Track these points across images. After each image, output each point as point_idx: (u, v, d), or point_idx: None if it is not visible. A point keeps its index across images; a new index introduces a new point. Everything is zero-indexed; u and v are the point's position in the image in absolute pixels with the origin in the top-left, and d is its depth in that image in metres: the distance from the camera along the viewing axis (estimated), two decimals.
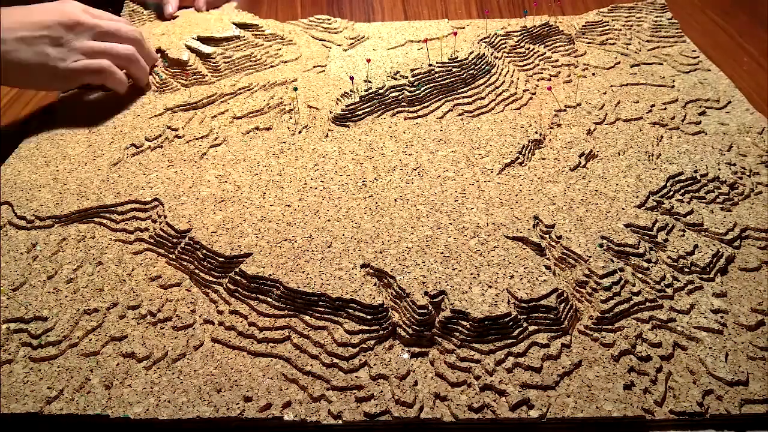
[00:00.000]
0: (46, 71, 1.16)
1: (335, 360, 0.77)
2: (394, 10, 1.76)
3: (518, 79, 1.32)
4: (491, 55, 1.33)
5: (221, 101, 1.29)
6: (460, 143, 1.12)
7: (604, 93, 1.29)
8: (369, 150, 1.12)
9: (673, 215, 0.96)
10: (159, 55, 1.40)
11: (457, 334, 0.78)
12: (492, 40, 1.37)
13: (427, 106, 1.23)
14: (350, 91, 1.25)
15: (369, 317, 0.80)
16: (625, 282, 0.84)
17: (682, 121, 1.19)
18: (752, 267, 0.89)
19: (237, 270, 0.86)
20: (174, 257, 0.93)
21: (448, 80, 1.26)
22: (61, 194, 1.04)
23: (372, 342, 0.79)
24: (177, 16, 1.50)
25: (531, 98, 1.28)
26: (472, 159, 1.08)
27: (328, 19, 1.61)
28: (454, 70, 1.26)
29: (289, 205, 0.98)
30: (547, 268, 0.86)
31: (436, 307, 0.80)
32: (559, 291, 0.81)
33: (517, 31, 1.41)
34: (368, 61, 1.32)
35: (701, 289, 0.86)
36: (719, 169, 1.04)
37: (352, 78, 1.26)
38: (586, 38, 1.50)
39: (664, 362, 0.77)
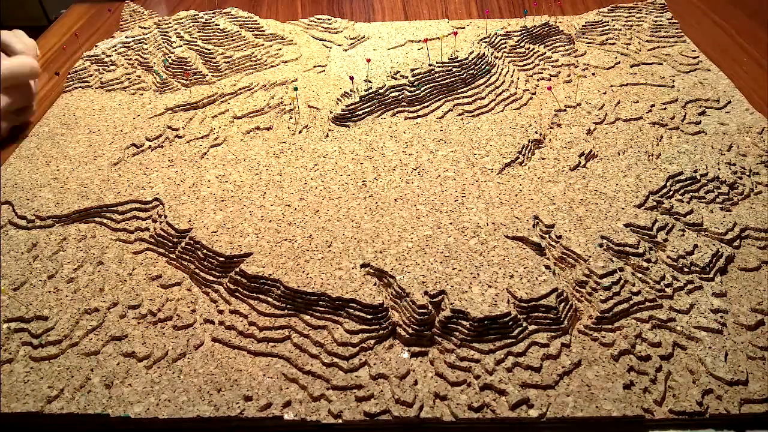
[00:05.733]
0: None
1: (335, 359, 0.77)
2: (394, 10, 1.76)
3: (518, 79, 1.32)
4: (491, 55, 1.33)
5: (221, 101, 1.29)
6: (460, 143, 1.12)
7: (604, 93, 1.29)
8: (369, 150, 1.12)
9: (672, 215, 0.96)
10: (161, 54, 1.40)
11: (457, 333, 0.78)
12: (492, 40, 1.37)
13: (427, 106, 1.23)
14: (350, 91, 1.25)
15: (369, 317, 0.80)
16: (624, 282, 0.84)
17: (682, 121, 1.19)
18: (752, 267, 0.89)
19: (237, 269, 0.86)
20: (174, 257, 0.93)
21: (448, 80, 1.26)
22: (62, 194, 1.04)
23: (372, 341, 0.79)
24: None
25: (531, 98, 1.28)
26: (472, 159, 1.08)
27: (329, 19, 1.62)
28: (454, 70, 1.26)
29: (289, 205, 0.98)
30: (547, 267, 0.86)
31: (436, 306, 0.81)
32: (559, 291, 0.81)
33: (517, 31, 1.41)
34: (368, 61, 1.33)
35: (701, 289, 0.86)
36: (719, 169, 1.04)
37: (352, 78, 1.26)
38: (586, 38, 1.50)
39: (664, 362, 0.77)
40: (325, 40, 1.54)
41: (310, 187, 1.02)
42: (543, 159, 1.09)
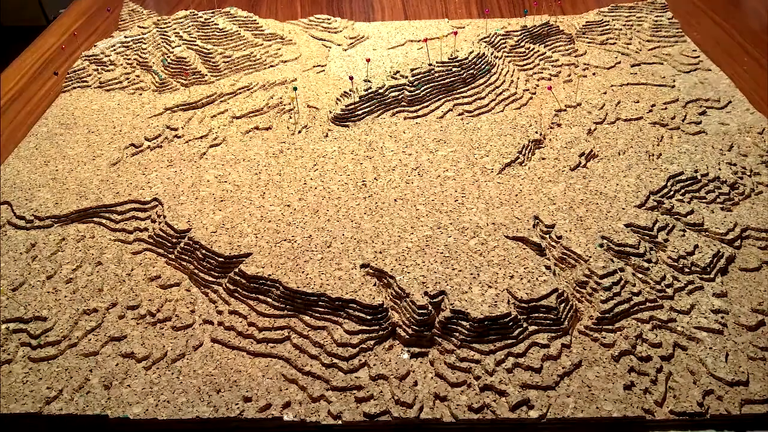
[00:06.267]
0: None
1: (335, 360, 0.77)
2: (394, 9, 1.76)
3: (518, 78, 1.32)
4: (491, 54, 1.32)
5: (221, 101, 1.29)
6: (460, 143, 1.12)
7: (605, 93, 1.28)
8: (369, 150, 1.12)
9: (673, 215, 0.95)
10: (160, 54, 1.40)
11: (457, 334, 0.78)
12: (492, 39, 1.37)
13: (427, 106, 1.23)
14: (350, 90, 1.25)
15: (369, 317, 0.80)
16: (625, 282, 0.84)
17: (683, 120, 1.19)
18: (753, 267, 0.89)
19: (236, 270, 0.86)
20: (173, 257, 0.93)
21: (448, 80, 1.25)
22: (61, 194, 1.03)
23: (372, 342, 0.79)
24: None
25: (531, 98, 1.28)
26: (472, 159, 1.08)
27: (328, 19, 1.61)
28: (454, 69, 1.26)
29: (288, 205, 0.98)
30: (547, 268, 0.85)
31: (436, 307, 0.80)
32: (559, 291, 0.81)
33: (517, 31, 1.41)
34: (368, 60, 1.32)
35: (701, 290, 0.85)
36: (720, 169, 1.04)
37: (351, 78, 1.26)
38: (587, 38, 1.49)
39: (665, 362, 0.76)
40: (324, 40, 1.54)
41: (310, 188, 1.02)
42: (543, 159, 1.08)
